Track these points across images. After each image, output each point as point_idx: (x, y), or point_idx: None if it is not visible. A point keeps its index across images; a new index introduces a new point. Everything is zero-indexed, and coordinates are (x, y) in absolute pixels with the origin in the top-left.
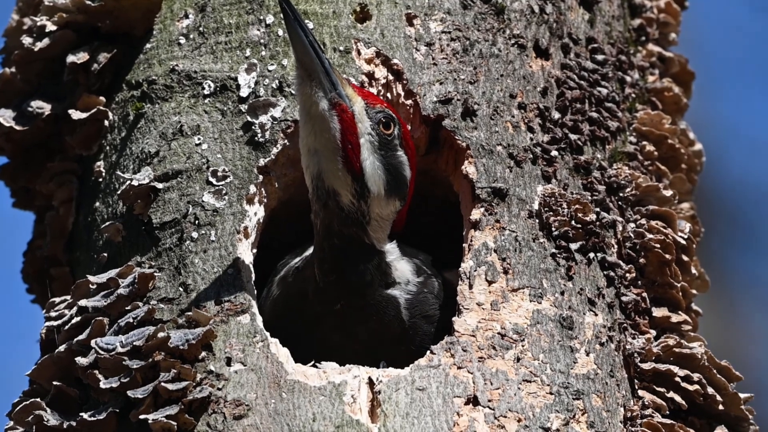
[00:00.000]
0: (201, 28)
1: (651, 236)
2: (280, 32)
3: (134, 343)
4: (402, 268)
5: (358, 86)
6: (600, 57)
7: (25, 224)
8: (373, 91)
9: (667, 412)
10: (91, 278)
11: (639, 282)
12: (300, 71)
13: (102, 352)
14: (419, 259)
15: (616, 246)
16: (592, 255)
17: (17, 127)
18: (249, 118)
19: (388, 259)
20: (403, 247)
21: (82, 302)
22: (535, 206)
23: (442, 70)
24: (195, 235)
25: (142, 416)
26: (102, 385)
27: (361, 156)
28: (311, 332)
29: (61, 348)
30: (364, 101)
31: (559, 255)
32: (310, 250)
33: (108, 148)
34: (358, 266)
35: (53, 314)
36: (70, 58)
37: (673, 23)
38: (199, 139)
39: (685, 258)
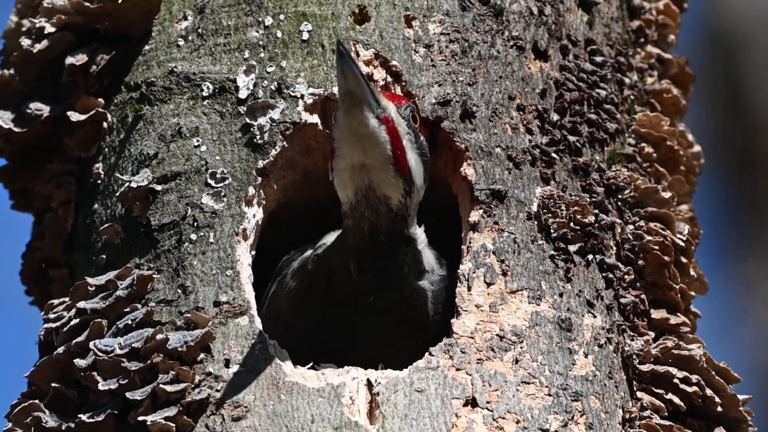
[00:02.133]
0: (200, 30)
1: (650, 238)
2: (279, 34)
3: (133, 345)
4: (428, 255)
5: (383, 89)
6: (599, 59)
7: (23, 226)
8: None
9: (666, 414)
10: (89, 280)
11: (638, 284)
12: (346, 98)
13: (100, 354)
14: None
15: (614, 248)
16: (590, 257)
17: (16, 129)
18: (248, 120)
19: (419, 246)
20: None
21: (81, 304)
22: (534, 208)
23: (441, 72)
24: (194, 236)
25: (140, 418)
26: (101, 387)
27: (408, 157)
28: (333, 322)
29: (60, 350)
30: (393, 103)
31: (557, 257)
32: (327, 240)
33: (107, 149)
34: (397, 259)
35: (52, 316)
36: (69, 60)
37: (672, 25)
38: (197, 140)
39: (683, 260)
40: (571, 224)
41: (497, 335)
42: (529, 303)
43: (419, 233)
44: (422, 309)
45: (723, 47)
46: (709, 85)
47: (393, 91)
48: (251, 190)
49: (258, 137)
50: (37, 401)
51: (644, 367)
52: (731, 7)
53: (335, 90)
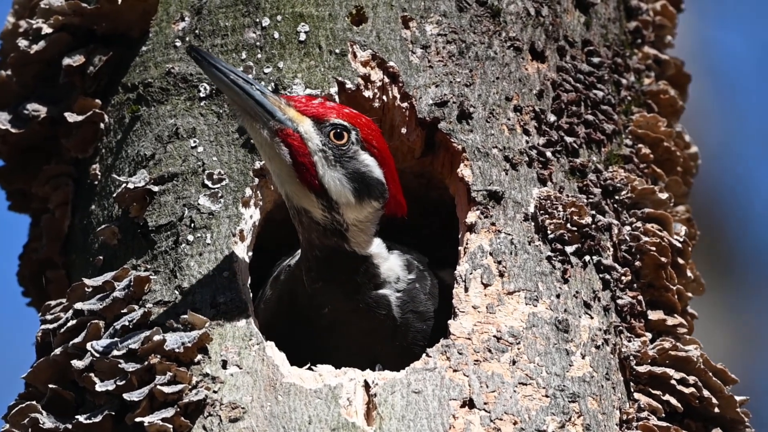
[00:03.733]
0: (197, 31)
1: (647, 239)
2: (276, 35)
3: (130, 346)
4: (391, 265)
5: (308, 99)
6: (596, 59)
7: (20, 227)
8: (369, 93)
9: (663, 415)
10: (86, 281)
11: (635, 285)
12: (234, 108)
13: (98, 355)
14: (411, 256)
15: (611, 249)
16: (587, 258)
17: (13, 130)
18: None
19: (375, 261)
20: (394, 244)
21: (78, 305)
22: (531, 209)
23: (438, 73)
24: (191, 238)
25: (137, 419)
26: (98, 388)
27: (318, 173)
28: (305, 332)
29: (57, 351)
30: (312, 118)
31: (554, 258)
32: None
33: (104, 150)
34: (344, 273)
35: (49, 317)
36: (66, 61)
37: (669, 26)
38: (194, 141)
39: (680, 261)
40: (568, 225)
41: (494, 336)
42: (526, 304)
43: (375, 250)
44: (386, 314)
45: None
46: None
47: (390, 93)
48: (248, 191)
49: None
50: (34, 402)
51: (641, 369)
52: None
53: (332, 91)
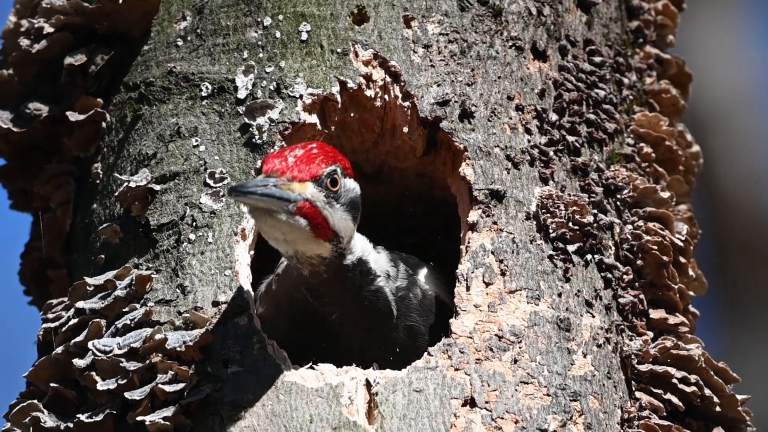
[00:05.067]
0: (198, 30)
1: (648, 238)
2: (278, 34)
3: (131, 345)
4: (378, 260)
5: (295, 163)
6: (597, 59)
7: (22, 226)
8: (370, 93)
9: (665, 414)
10: (88, 280)
11: (636, 284)
12: (251, 210)
13: (99, 354)
14: (395, 254)
15: (613, 248)
16: (589, 257)
17: (15, 129)
18: (246, 120)
19: (364, 257)
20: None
21: (80, 304)
22: (533, 208)
23: (440, 72)
24: (192, 236)
25: (139, 418)
26: (99, 387)
27: (330, 224)
28: (308, 338)
29: (59, 350)
30: (312, 181)
31: (556, 257)
32: (284, 260)
33: (105, 149)
34: (347, 281)
35: (50, 316)
36: (68, 60)
37: (671, 25)
38: (196, 140)
39: (682, 260)
40: (570, 224)
41: (496, 335)
42: (528, 303)
43: (359, 247)
44: (385, 307)
45: (691, 131)
46: None
47: (392, 92)
48: None
49: (257, 137)
50: (35, 401)
51: (643, 367)
52: (698, 91)
53: (334, 90)
